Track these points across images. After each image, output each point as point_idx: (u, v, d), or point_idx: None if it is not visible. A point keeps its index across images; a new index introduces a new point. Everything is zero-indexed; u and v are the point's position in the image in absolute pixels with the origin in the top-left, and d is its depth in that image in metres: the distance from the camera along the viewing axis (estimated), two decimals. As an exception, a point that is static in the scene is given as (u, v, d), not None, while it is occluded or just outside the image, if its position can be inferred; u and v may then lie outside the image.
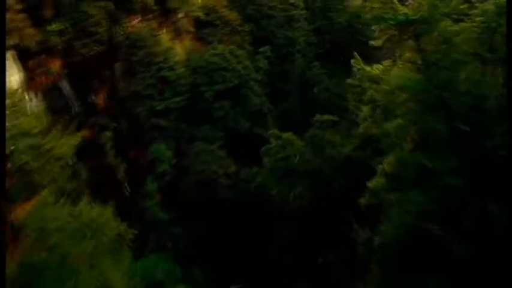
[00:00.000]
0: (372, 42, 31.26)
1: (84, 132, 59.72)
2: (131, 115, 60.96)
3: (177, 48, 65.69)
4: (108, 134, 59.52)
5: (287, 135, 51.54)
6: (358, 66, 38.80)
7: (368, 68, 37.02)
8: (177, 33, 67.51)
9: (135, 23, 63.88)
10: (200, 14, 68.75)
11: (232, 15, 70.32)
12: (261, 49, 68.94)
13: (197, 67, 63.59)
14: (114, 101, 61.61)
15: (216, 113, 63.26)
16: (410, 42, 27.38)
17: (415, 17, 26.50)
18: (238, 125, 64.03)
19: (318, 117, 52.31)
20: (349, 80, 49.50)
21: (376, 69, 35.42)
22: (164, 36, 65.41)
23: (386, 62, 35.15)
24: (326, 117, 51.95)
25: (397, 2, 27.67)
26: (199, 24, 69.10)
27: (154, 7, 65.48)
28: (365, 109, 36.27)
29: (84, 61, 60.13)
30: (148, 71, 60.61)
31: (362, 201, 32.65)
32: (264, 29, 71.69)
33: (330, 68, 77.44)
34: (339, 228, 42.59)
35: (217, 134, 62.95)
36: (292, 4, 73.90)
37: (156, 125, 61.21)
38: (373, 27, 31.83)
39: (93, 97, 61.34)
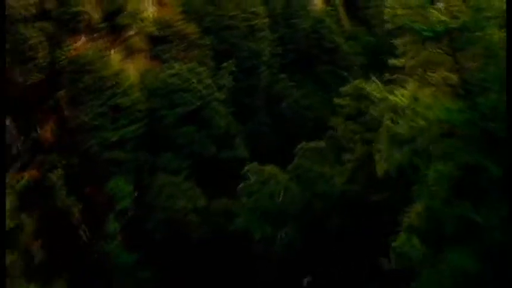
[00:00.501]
0: (393, 62, 23.91)
1: (30, 173, 51.72)
2: (82, 149, 52.54)
3: (129, 69, 57.66)
4: (58, 172, 50.92)
5: (268, 169, 44.00)
6: (379, 95, 31.07)
7: (391, 97, 29.23)
8: (129, 53, 59.40)
9: (80, 45, 55.54)
10: (153, 29, 60.94)
11: (190, 29, 62.63)
12: (224, 64, 61.23)
13: (154, 90, 55.82)
14: (62, 134, 53.06)
15: (178, 139, 55.56)
16: (446, 58, 20.21)
17: (455, 25, 19.32)
18: (203, 151, 56.40)
19: (302, 144, 44.73)
20: (338, 100, 42.24)
21: (400, 96, 27.99)
22: (114, 57, 57.31)
23: (412, 86, 27.65)
24: (312, 144, 44.34)
25: (431, 7, 20.40)
26: (153, 40, 61.23)
27: (101, 25, 57.24)
28: (384, 147, 28.82)
29: (24, 91, 51.46)
30: (99, 98, 52.51)
31: (385, 265, 25.21)
32: (225, 42, 64.30)
33: (297, 79, 70.95)
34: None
35: (181, 162, 55.17)
36: (253, 13, 66.56)
37: (111, 158, 53.12)
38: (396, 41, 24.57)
39: (37, 132, 52.61)
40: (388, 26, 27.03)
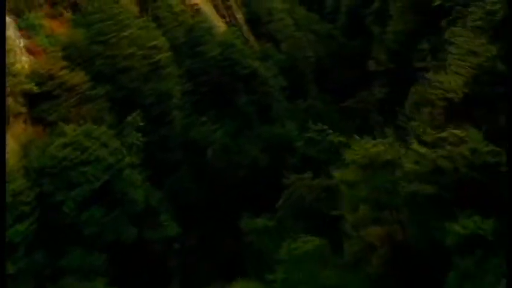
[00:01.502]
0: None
1: None
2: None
3: (5, 145, 41.21)
4: None
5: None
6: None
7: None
8: (1, 121, 42.84)
9: None
10: (31, 85, 44.91)
11: (77, 78, 47.52)
12: (128, 118, 46.28)
13: (42, 169, 40.06)
14: None
15: (85, 228, 40.15)
16: None
17: None
18: (121, 237, 41.34)
19: (289, 246, 31.16)
20: (340, 175, 29.38)
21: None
22: (-19, 130, 40.68)
23: None
24: (303, 247, 30.69)
25: None
26: (32, 100, 45.45)
27: (-43, 90, 40.51)
28: None
29: None
30: (-34, 197, 35.96)
31: None
32: (124, 88, 49.54)
33: (215, 117, 57.13)
34: None
35: (94, 259, 40.01)
36: (153, 47, 52.09)
37: (-3, 272, 36.51)
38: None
39: None
40: None
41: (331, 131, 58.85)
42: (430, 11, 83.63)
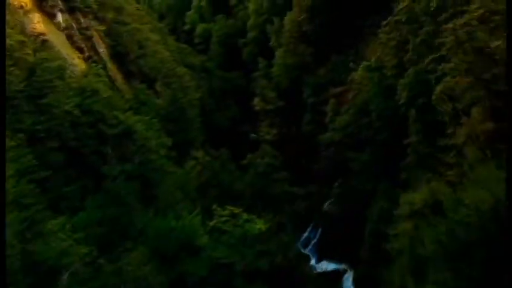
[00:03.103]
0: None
1: None
2: None
3: None
4: None
5: None
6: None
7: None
8: None
9: None
10: None
11: None
12: None
13: None
14: None
15: None
16: None
17: None
18: None
19: None
20: None
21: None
22: None
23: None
24: None
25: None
26: None
27: None
28: None
29: None
30: None
31: None
32: None
33: (74, 207, 35.22)
34: None
35: None
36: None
37: None
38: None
39: None
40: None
41: (245, 215, 39.56)
42: (322, 42, 68.76)
